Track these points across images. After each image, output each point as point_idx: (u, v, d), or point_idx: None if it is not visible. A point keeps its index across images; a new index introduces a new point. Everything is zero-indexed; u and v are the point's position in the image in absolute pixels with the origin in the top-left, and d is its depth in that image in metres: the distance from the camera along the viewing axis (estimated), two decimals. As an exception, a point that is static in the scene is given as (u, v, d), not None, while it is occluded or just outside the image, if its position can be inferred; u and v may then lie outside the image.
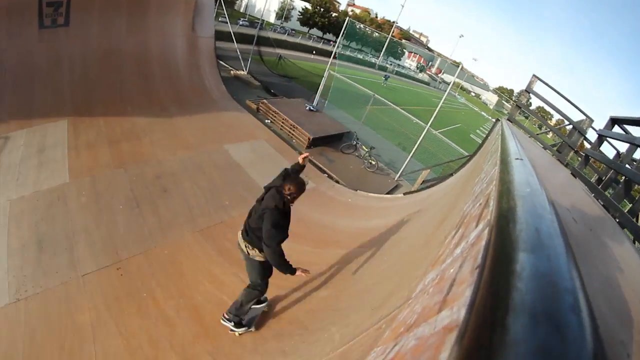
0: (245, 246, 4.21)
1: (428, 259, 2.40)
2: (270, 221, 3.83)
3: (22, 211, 6.15)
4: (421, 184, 11.95)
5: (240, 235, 4.29)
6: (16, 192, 6.50)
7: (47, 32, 9.53)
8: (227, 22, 22.38)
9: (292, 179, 4.05)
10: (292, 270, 3.99)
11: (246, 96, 15.98)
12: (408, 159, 13.85)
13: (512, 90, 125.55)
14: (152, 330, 4.63)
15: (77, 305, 4.83)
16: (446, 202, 4.86)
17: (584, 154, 7.56)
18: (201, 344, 4.46)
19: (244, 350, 4.32)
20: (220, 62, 18.79)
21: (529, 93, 8.49)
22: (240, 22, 42.02)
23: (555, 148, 8.78)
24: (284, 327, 4.36)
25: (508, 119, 8.42)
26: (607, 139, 7.39)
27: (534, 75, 8.32)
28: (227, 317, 4.62)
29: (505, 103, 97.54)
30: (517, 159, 1.87)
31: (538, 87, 8.43)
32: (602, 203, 5.04)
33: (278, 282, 5.53)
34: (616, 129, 7.16)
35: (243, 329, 4.63)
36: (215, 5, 19.73)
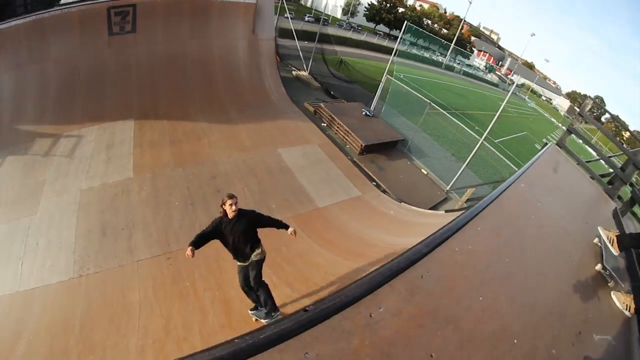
0: (252, 257, 5.03)
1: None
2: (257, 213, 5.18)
3: (90, 200, 7.33)
4: (466, 201, 11.68)
5: (242, 260, 5.09)
6: (86, 183, 7.76)
7: (115, 39, 10.84)
8: (289, 19, 22.46)
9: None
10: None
11: (305, 97, 16.52)
12: (460, 171, 13.53)
13: (585, 95, 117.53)
14: (188, 315, 5.39)
15: (129, 286, 5.80)
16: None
17: (630, 196, 6.92)
18: (224, 334, 5.13)
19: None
20: (283, 61, 19.31)
21: (582, 117, 7.98)
22: (306, 19, 42.64)
23: (606, 179, 8.05)
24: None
25: (557, 144, 7.97)
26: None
27: (589, 98, 7.99)
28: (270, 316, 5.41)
29: (577, 109, 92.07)
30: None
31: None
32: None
33: (292, 285, 5.99)
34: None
35: (272, 316, 5.40)
36: (279, 1, 20.20)
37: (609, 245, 3.74)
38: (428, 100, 15.15)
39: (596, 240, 4.11)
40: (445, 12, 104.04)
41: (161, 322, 5.21)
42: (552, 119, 65.06)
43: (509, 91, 66.70)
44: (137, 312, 5.32)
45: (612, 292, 3.36)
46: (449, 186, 13.48)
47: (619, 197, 7.34)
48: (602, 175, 7.77)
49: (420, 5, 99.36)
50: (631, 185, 7.21)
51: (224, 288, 5.97)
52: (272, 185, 9.24)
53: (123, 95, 10.55)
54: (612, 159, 8.36)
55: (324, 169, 11.10)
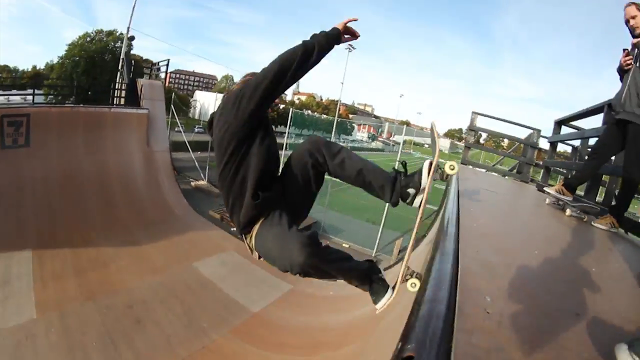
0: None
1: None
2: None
3: None
4: (398, 253, 11.83)
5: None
6: None
7: (8, 152, 9.83)
8: (181, 132, 22.94)
9: None
10: (330, 34, 2.25)
11: (209, 206, 16.11)
12: (380, 231, 13.89)
13: (460, 129, 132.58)
14: None
15: None
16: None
17: (543, 166, 8.11)
18: None
19: None
20: (180, 174, 18.94)
21: (473, 130, 9.18)
22: (196, 129, 42.96)
23: (514, 171, 9.20)
24: None
25: (462, 162, 8.83)
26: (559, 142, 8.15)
27: (473, 112, 8.96)
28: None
29: (457, 143, 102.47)
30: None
31: (480, 121, 9.10)
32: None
33: None
34: (564, 129, 7.82)
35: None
36: (169, 115, 20.33)
37: (561, 196, 4.31)
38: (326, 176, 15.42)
39: (547, 200, 4.93)
40: (322, 99, 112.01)
41: None
42: (441, 160, 70.82)
43: (395, 151, 72.32)
44: None
45: (592, 223, 3.93)
46: (375, 250, 13.64)
47: (532, 180, 8.60)
48: (510, 170, 9.00)
49: (299, 99, 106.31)
50: (536, 164, 8.53)
51: None
52: (198, 303, 8.45)
53: (18, 219, 9.30)
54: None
55: (247, 273, 10.51)
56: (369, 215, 19.52)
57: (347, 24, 2.28)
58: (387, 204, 11.09)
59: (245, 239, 2.39)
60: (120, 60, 18.35)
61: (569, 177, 6.17)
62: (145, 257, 10.06)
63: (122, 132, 13.69)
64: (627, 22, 3.70)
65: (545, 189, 4.86)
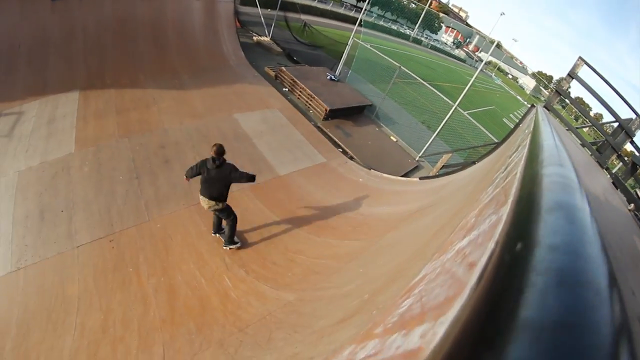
0: (216, 204, 5.76)
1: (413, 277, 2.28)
2: (237, 172, 5.82)
3: (29, 182, 6.39)
4: (441, 168, 11.13)
5: (208, 201, 5.76)
6: (25, 163, 6.74)
7: (59, 4, 9.54)
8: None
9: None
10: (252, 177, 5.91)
11: (266, 63, 15.50)
12: (432, 138, 12.96)
13: (551, 77, 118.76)
14: (128, 308, 4.77)
15: (69, 276, 5.05)
16: (458, 200, 4.43)
17: (630, 161, 6.70)
18: (164, 330, 4.55)
19: (191, 349, 4.37)
20: (244, 27, 18.26)
21: (573, 78, 7.26)
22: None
23: (595, 147, 7.67)
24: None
25: (545, 106, 7.49)
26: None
27: (580, 58, 6.96)
28: (225, 245, 6.07)
29: (542, 89, 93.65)
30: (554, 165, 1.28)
31: (583, 73, 7.04)
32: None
33: (246, 265, 5.46)
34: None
35: (235, 245, 6.08)
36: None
37: None
38: (397, 64, 14.32)
39: (632, 206, 3.93)
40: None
41: (99, 317, 4.57)
42: (518, 97, 65.68)
43: (476, 67, 67.04)
44: (76, 307, 4.66)
45: None
46: (420, 154, 12.93)
47: (607, 169, 7.06)
48: (591, 143, 7.51)
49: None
50: (619, 156, 6.91)
51: (170, 272, 5.36)
52: (228, 153, 8.27)
53: (68, 65, 9.38)
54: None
55: (285, 135, 10.39)
56: (426, 117, 18.21)
57: None
58: (452, 110, 10.35)
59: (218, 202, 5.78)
60: None
61: None
62: (188, 101, 10.04)
63: (183, -22, 12.91)
64: None
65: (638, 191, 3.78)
